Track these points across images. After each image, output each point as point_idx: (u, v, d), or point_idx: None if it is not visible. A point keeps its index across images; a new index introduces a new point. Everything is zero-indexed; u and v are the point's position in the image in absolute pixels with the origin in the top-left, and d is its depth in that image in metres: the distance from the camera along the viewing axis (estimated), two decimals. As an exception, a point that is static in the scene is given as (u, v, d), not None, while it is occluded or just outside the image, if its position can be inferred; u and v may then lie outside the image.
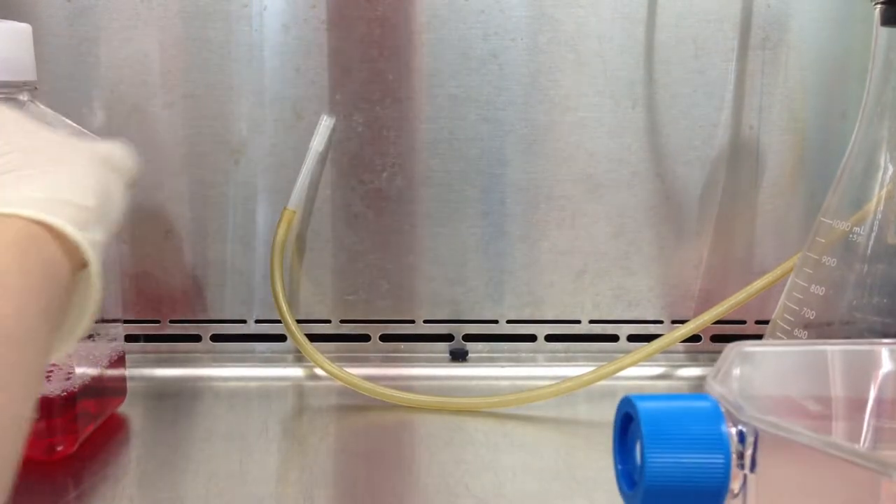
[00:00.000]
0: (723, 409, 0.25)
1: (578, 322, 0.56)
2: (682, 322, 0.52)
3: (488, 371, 0.54)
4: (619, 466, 0.27)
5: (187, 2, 0.51)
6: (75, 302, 0.29)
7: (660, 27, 0.52)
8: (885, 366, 0.31)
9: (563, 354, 0.56)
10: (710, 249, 0.55)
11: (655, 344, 0.50)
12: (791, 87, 0.53)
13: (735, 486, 0.25)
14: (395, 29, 0.52)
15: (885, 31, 0.39)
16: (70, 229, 0.28)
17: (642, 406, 0.25)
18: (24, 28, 0.39)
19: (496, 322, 0.56)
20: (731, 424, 0.25)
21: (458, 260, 0.55)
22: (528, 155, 0.53)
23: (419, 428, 0.47)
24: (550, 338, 0.56)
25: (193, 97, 0.52)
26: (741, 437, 0.25)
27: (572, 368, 0.51)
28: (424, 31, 0.52)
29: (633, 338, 0.56)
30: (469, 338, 0.56)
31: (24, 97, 0.40)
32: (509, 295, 0.55)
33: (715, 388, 0.26)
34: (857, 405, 0.31)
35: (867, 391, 0.31)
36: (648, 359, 0.50)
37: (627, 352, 0.50)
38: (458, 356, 0.55)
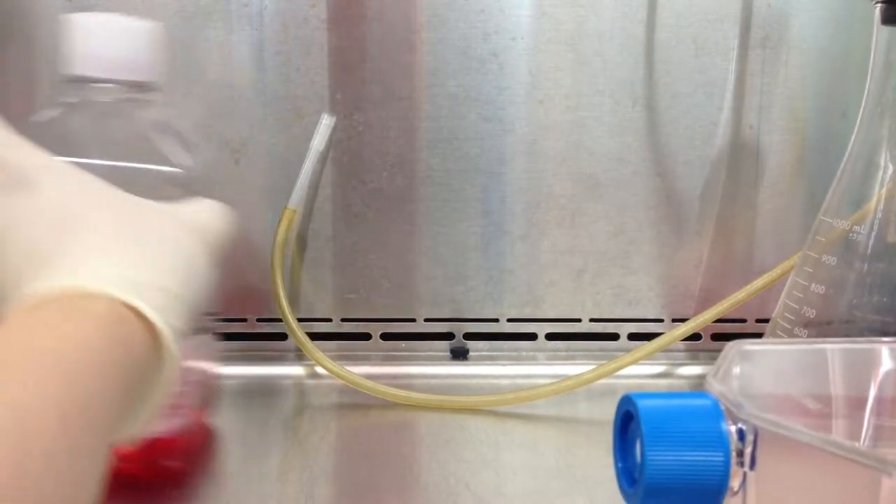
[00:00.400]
0: (723, 407, 0.25)
1: (579, 321, 0.56)
2: (683, 321, 0.52)
3: (489, 370, 0.54)
4: (620, 464, 0.27)
5: (187, 1, 0.51)
6: (149, 385, 0.29)
7: (660, 26, 0.52)
8: (885, 364, 0.31)
9: (563, 353, 0.56)
10: (710, 248, 0.55)
11: (656, 342, 0.50)
12: (791, 87, 0.53)
13: (735, 483, 0.25)
14: (395, 28, 0.52)
15: (885, 31, 0.39)
16: (151, 313, 0.27)
17: (642, 404, 0.25)
18: (145, 25, 0.37)
19: (497, 321, 0.56)
20: (730, 422, 0.25)
21: (458, 259, 0.55)
22: (529, 154, 0.53)
23: (420, 426, 0.47)
24: (551, 336, 0.56)
25: (194, 96, 0.52)
26: (741, 435, 0.25)
27: (573, 367, 0.51)
28: (424, 30, 0.52)
29: (633, 336, 0.56)
30: (469, 336, 0.56)
31: (142, 97, 0.38)
32: (510, 294, 0.55)
33: (715, 387, 0.26)
34: (856, 403, 0.31)
35: (867, 389, 0.31)
36: (649, 357, 0.50)
37: (628, 350, 0.50)
38: (459, 355, 0.55)
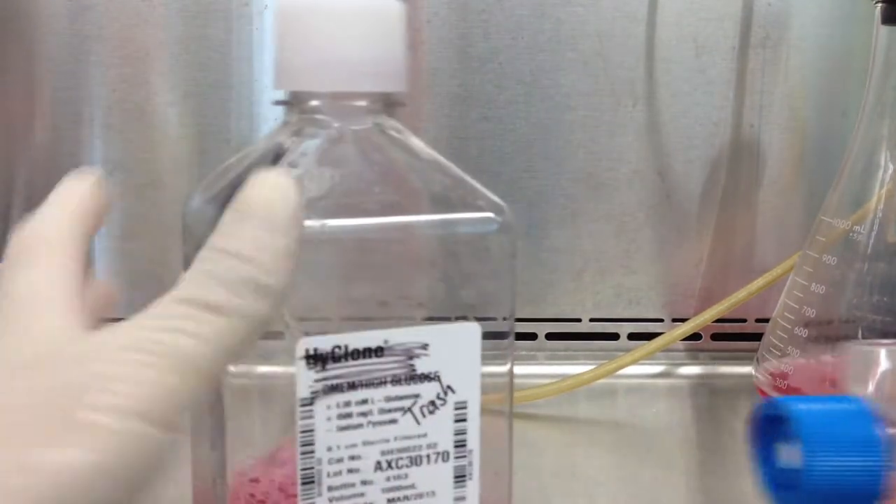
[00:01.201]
0: (873, 411, 0.25)
1: (579, 320, 0.56)
2: (683, 320, 0.52)
3: (489, 369, 0.54)
4: (763, 469, 0.27)
5: (188, 0, 0.51)
6: None
7: (660, 25, 0.52)
8: None
9: (563, 353, 0.56)
10: (710, 248, 0.55)
11: (656, 342, 0.50)
12: (791, 86, 0.53)
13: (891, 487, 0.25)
14: (395, 28, 0.52)
15: (885, 30, 0.39)
16: None
17: (798, 408, 0.25)
18: (388, 4, 0.24)
19: (497, 320, 0.55)
20: (885, 426, 0.25)
21: (458, 258, 0.55)
22: (529, 153, 0.53)
23: (420, 426, 0.47)
24: (551, 336, 0.56)
25: (195, 96, 0.52)
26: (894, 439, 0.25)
27: (573, 367, 0.51)
28: (424, 29, 0.52)
29: (633, 336, 0.55)
30: (470, 336, 0.56)
31: (383, 121, 0.26)
32: (510, 293, 0.55)
33: (861, 391, 0.26)
34: None
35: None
36: (649, 357, 0.50)
37: (628, 350, 0.50)
38: (459, 354, 0.55)
